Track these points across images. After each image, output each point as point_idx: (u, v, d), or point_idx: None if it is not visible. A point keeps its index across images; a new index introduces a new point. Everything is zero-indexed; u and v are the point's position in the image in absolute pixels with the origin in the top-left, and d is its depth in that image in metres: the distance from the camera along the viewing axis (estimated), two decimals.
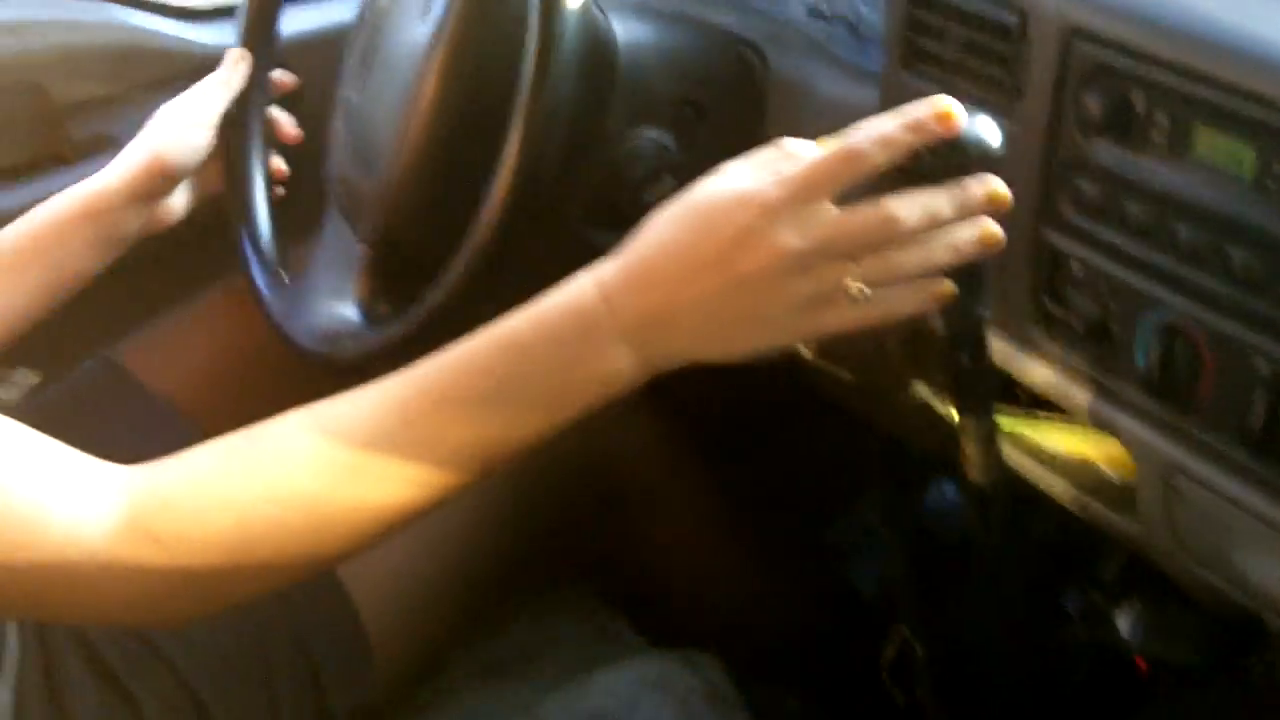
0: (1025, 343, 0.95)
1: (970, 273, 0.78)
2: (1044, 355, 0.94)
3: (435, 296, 1.02)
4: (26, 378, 1.76)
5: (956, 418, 0.87)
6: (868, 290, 0.75)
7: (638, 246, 0.78)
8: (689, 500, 1.36)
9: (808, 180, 0.74)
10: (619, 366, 0.77)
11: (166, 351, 1.32)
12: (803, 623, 1.41)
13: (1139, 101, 0.83)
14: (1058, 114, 0.87)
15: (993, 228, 0.77)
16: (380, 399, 0.78)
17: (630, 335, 0.76)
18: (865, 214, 0.75)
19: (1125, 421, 0.89)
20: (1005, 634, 1.01)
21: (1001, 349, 0.96)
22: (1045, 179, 0.89)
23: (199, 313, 1.36)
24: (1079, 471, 0.98)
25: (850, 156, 0.74)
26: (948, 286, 0.78)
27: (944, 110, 0.74)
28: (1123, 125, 0.84)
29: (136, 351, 1.31)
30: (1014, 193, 0.77)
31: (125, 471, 0.79)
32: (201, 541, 0.76)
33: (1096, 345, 0.90)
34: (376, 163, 1.12)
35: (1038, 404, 0.99)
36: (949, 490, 1.30)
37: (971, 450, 0.87)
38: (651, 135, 1.13)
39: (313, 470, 0.77)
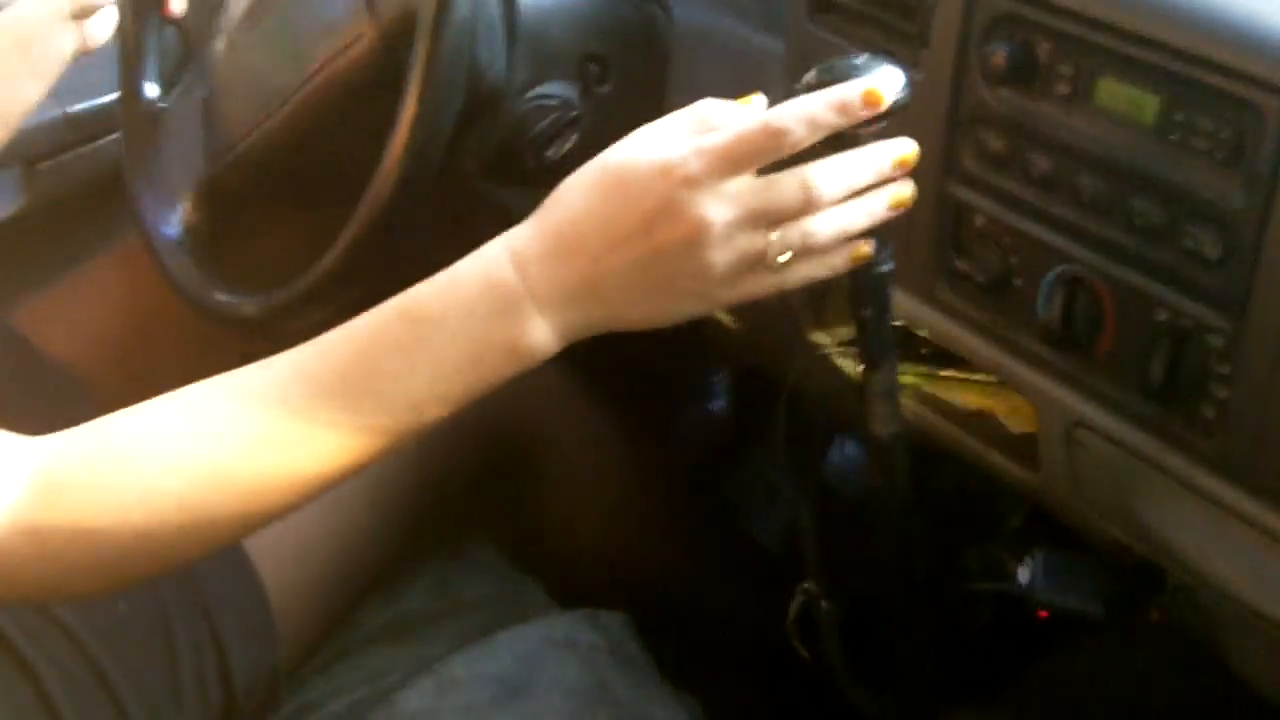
0: (928, 296, 0.95)
1: (876, 229, 0.78)
2: (946, 308, 0.94)
3: (335, 254, 1.01)
4: None
5: (859, 371, 0.87)
6: (786, 257, 0.75)
7: (553, 214, 0.76)
8: (593, 460, 1.36)
9: (731, 153, 0.73)
10: (534, 338, 0.76)
11: (62, 315, 1.29)
12: (707, 579, 1.41)
13: (1042, 51, 0.83)
14: (962, 64, 0.87)
15: (905, 190, 0.77)
16: (291, 371, 0.77)
17: (546, 306, 0.75)
18: (786, 185, 0.74)
19: (1027, 374, 0.90)
20: (908, 588, 1.01)
21: (904, 302, 0.96)
22: (949, 130, 0.89)
23: (93, 275, 1.33)
24: (980, 424, 0.98)
25: (775, 132, 0.73)
26: (864, 248, 0.78)
27: (873, 94, 0.74)
28: (1026, 75, 0.84)
29: (30, 316, 1.28)
30: (918, 144, 0.77)
31: (31, 443, 0.76)
32: (111, 516, 0.75)
33: (999, 298, 0.90)
34: (257, 106, 1.10)
35: (939, 358, 0.99)
36: (850, 445, 1.30)
37: (874, 404, 0.88)
38: (554, 90, 1.11)
39: (225, 442, 0.76)
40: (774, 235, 0.74)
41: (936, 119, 0.89)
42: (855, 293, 0.83)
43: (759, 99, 0.78)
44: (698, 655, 1.23)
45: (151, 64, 1.24)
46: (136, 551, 0.76)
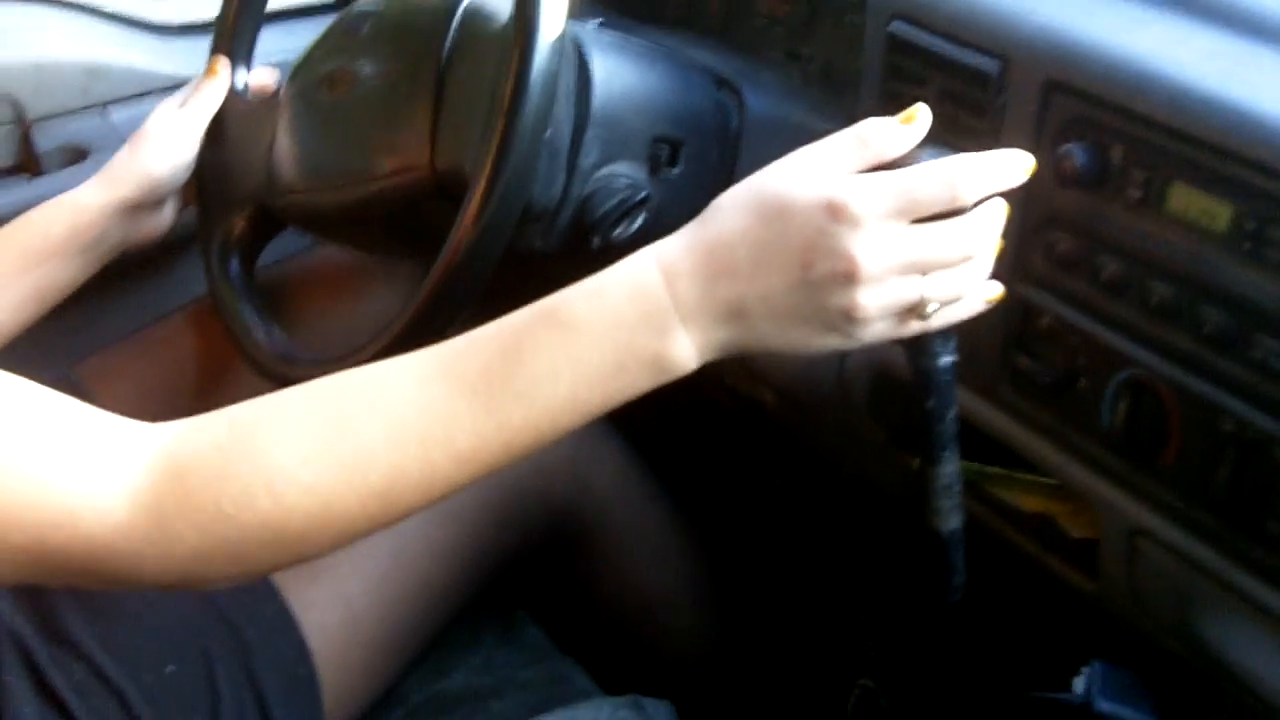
0: (991, 395, 0.94)
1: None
2: (1009, 408, 0.94)
3: (402, 319, 1.01)
4: None
5: (919, 464, 0.86)
6: (936, 306, 0.76)
7: (707, 231, 0.76)
8: (647, 542, 1.35)
9: (898, 207, 0.74)
10: (677, 352, 0.76)
11: (126, 373, 1.30)
12: (758, 670, 1.39)
13: (1115, 155, 0.82)
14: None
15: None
16: (436, 366, 0.77)
17: (691, 322, 0.75)
18: (949, 237, 0.75)
19: (1089, 479, 0.89)
20: (968, 684, 1.00)
21: (967, 400, 0.95)
22: (1020, 231, 0.88)
23: (159, 335, 1.34)
24: (1040, 528, 0.97)
25: (949, 193, 0.74)
26: (1000, 288, 0.79)
27: (1030, 166, 0.76)
28: (1098, 178, 0.83)
29: (94, 372, 1.29)
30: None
31: (157, 429, 0.77)
32: (237, 504, 0.74)
33: (1062, 400, 0.89)
34: (316, 170, 1.12)
35: (1000, 458, 0.98)
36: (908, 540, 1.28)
37: (934, 499, 0.86)
38: (623, 170, 1.12)
39: (362, 435, 0.75)
40: (928, 284, 0.75)
41: (1008, 219, 0.88)
42: (918, 383, 0.83)
43: (923, 110, 0.77)
44: None
45: (242, 47, 1.25)
46: (262, 541, 0.76)
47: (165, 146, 1.19)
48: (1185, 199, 0.79)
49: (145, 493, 0.74)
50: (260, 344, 1.14)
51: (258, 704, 1.07)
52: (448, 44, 1.07)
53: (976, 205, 0.76)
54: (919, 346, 0.81)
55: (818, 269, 0.73)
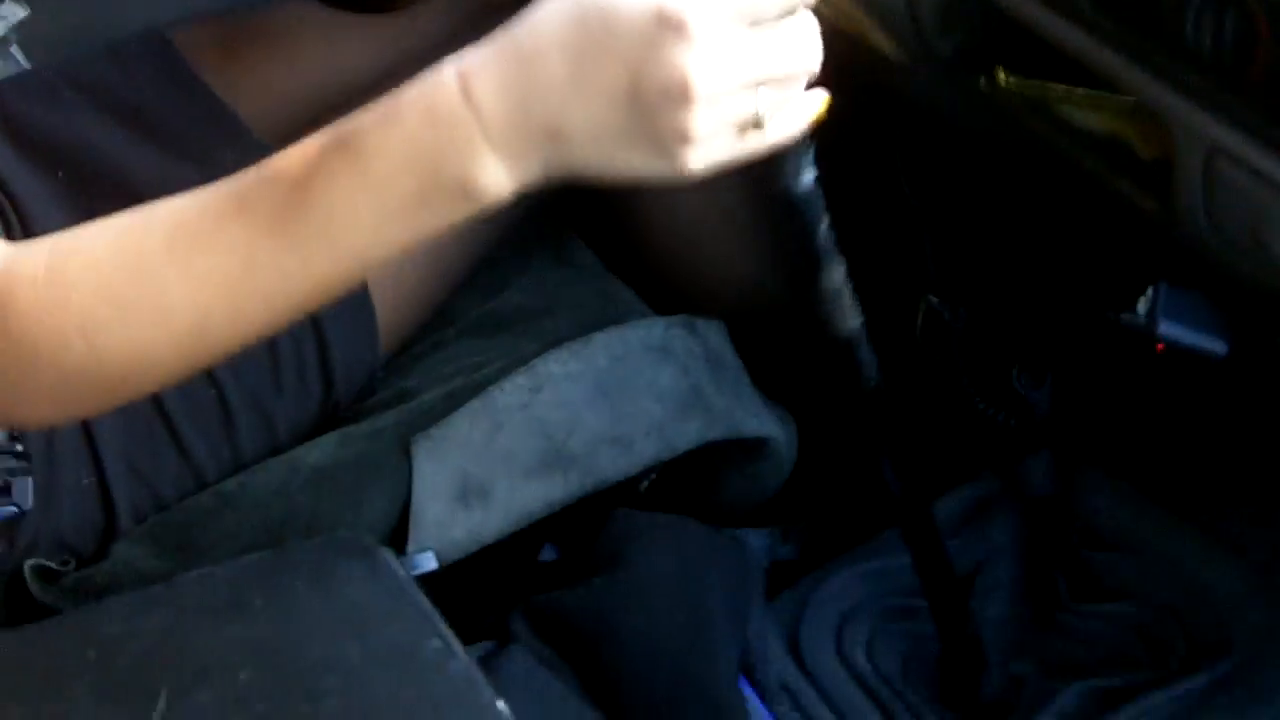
0: (1064, 8, 0.90)
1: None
2: (1084, 21, 0.89)
3: None
4: (14, 11, 1.68)
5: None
6: (768, 119, 0.69)
7: (519, 40, 0.68)
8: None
9: (738, 10, 0.66)
10: (487, 179, 0.69)
11: (225, 45, 1.24)
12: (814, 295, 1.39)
13: None
14: None
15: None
16: (228, 202, 0.71)
17: (502, 144, 0.68)
18: (787, 46, 0.68)
19: (1168, 96, 0.85)
20: (1030, 303, 0.98)
21: (1038, 12, 0.90)
22: None
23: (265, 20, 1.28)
24: (1110, 149, 0.94)
25: None
26: (824, 96, 0.72)
27: None
28: None
29: (188, 35, 1.24)
30: None
31: None
32: (51, 344, 0.72)
33: (1143, 12, 0.85)
34: None
35: (1071, 74, 0.94)
36: None
37: (823, 307, 0.84)
38: None
39: (166, 281, 0.71)
40: (762, 96, 0.68)
41: None
42: (783, 206, 0.79)
43: None
44: (794, 369, 1.22)
45: None
46: (82, 384, 0.74)
47: None
48: None
49: None
50: None
51: (312, 324, 1.08)
52: None
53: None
54: (777, 169, 0.76)
55: (646, 87, 0.66)
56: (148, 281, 0.72)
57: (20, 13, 1.69)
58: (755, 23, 0.67)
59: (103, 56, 1.19)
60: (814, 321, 0.85)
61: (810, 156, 0.77)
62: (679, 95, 0.66)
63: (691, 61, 0.65)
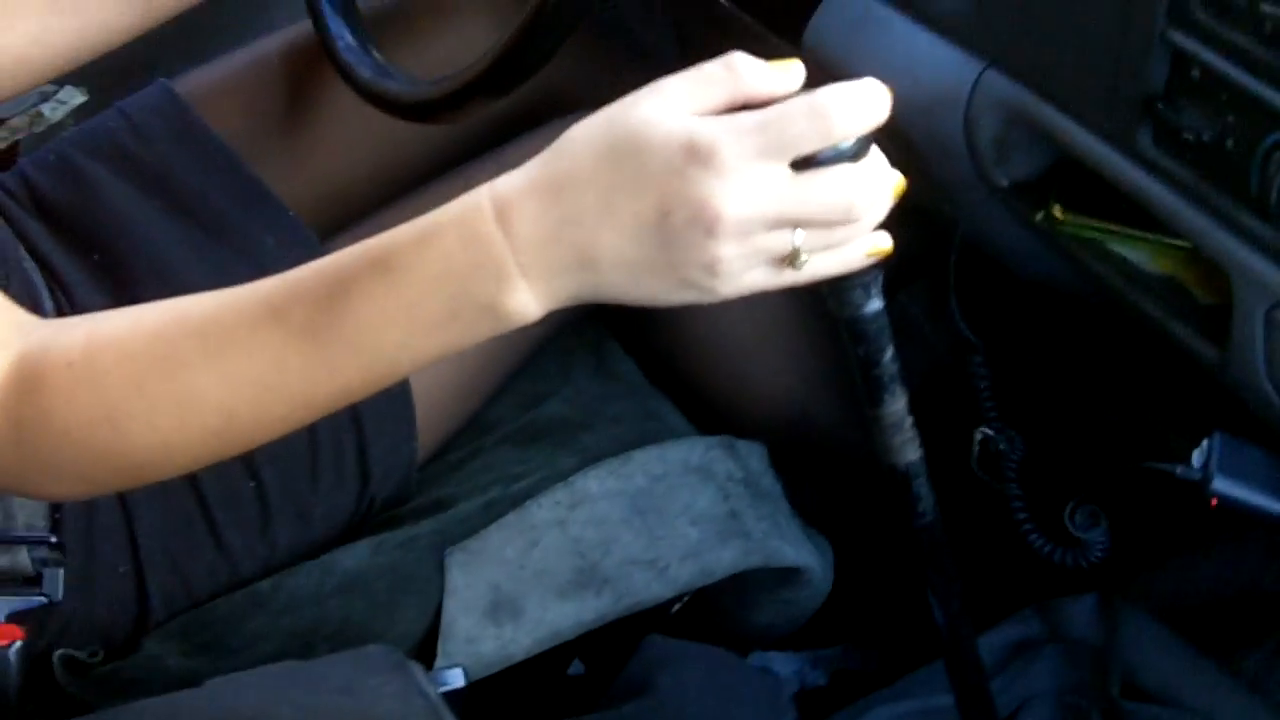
0: (1127, 148, 0.89)
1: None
2: (1147, 163, 0.88)
3: (493, 52, 0.98)
4: (72, 96, 1.71)
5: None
6: (807, 256, 0.69)
7: (552, 170, 0.69)
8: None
9: (765, 146, 0.66)
10: (515, 303, 0.70)
11: (225, 89, 1.26)
12: (851, 416, 1.38)
13: None
14: None
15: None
16: (261, 307, 0.74)
17: (532, 270, 0.69)
18: (825, 190, 0.68)
19: (1229, 243, 0.84)
20: (1083, 448, 0.97)
21: (1100, 151, 0.90)
22: None
23: (259, 53, 1.29)
24: (1167, 292, 0.93)
25: (823, 125, 0.67)
26: (884, 244, 0.72)
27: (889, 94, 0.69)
28: None
29: (194, 88, 1.25)
30: None
31: (21, 325, 0.77)
32: (81, 427, 0.74)
33: (1207, 158, 0.84)
34: None
35: (1130, 216, 0.93)
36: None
37: (883, 437, 0.83)
38: None
39: (197, 376, 0.74)
40: (800, 236, 0.68)
41: None
42: (849, 332, 0.78)
43: (797, 65, 0.69)
44: (834, 495, 1.21)
45: None
46: (107, 467, 0.76)
47: None
48: None
49: (11, 395, 0.74)
50: (357, 66, 1.11)
51: (353, 419, 1.07)
52: None
53: (859, 149, 0.69)
54: (835, 296, 0.76)
55: (675, 217, 0.66)
56: (178, 378, 0.74)
57: (79, 98, 1.72)
58: (785, 159, 0.67)
59: (112, 117, 1.21)
60: (870, 450, 0.84)
61: (879, 285, 0.76)
62: (706, 226, 0.66)
63: (720, 192, 0.66)
